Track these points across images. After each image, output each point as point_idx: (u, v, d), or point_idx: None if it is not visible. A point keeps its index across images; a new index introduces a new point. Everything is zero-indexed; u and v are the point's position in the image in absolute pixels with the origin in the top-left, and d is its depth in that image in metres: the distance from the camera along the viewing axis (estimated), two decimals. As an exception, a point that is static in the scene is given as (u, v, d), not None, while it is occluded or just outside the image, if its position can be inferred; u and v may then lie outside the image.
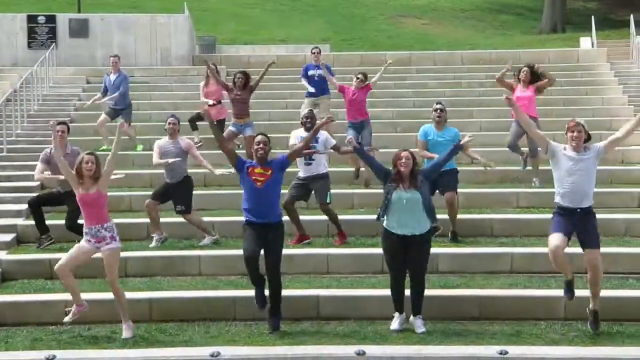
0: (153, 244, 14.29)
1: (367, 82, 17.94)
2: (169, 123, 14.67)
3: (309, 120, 14.35)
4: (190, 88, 25.81)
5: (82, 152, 14.55)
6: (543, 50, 31.63)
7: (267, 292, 11.21)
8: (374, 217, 14.98)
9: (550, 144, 10.80)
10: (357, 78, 17.73)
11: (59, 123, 14.74)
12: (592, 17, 36.70)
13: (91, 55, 28.86)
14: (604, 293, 10.98)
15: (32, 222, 14.92)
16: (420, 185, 11.11)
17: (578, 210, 10.72)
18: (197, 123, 20.35)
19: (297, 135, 14.44)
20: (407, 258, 11.04)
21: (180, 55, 29.27)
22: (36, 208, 14.53)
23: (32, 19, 29.17)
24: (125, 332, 10.96)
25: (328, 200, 14.26)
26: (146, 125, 22.40)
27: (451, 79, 26.86)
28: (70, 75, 27.36)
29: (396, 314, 11.20)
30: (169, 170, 14.45)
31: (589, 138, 10.85)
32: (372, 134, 17.97)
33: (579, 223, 10.74)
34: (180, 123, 15.06)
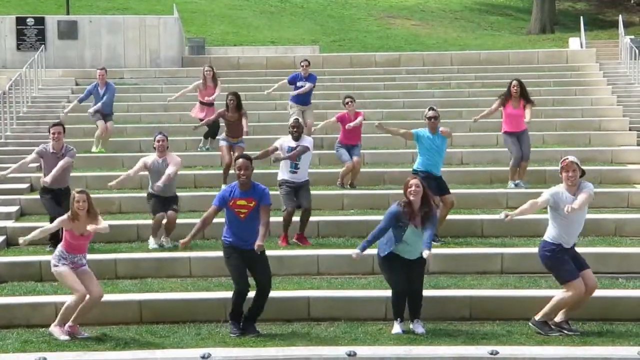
0: (155, 245, 14.34)
1: (359, 112, 17.83)
2: (158, 140, 14.60)
3: (295, 129, 14.54)
4: (180, 89, 25.74)
5: (74, 152, 14.70)
6: (532, 50, 31.72)
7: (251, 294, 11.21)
8: (364, 218, 15.11)
9: (554, 197, 10.76)
10: (346, 103, 17.66)
11: (55, 125, 14.77)
12: (581, 17, 36.80)
13: (80, 57, 28.82)
14: (594, 293, 11.00)
15: (22, 224, 14.93)
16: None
17: (571, 247, 10.90)
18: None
19: (283, 143, 14.55)
20: (407, 274, 11.04)
21: (170, 56, 29.24)
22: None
23: (21, 21, 29.12)
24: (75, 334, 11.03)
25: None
26: (136, 126, 22.41)
27: (440, 79, 26.90)
28: (59, 77, 27.32)
29: (397, 320, 11.16)
30: (163, 187, 14.38)
31: (583, 173, 10.89)
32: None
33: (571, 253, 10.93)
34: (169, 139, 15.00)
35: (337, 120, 17.65)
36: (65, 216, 11.18)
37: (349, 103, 17.61)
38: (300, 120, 15.27)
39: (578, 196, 10.66)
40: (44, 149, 14.63)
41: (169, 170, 14.38)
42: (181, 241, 11.19)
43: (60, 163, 14.40)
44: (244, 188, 11.12)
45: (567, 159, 10.87)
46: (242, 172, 11.10)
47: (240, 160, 11.23)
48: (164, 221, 14.31)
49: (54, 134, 14.54)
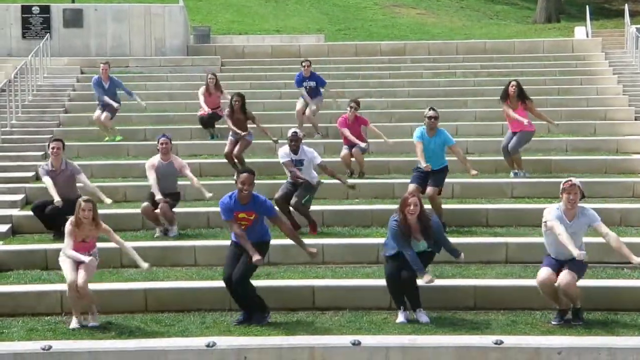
0: (157, 234, 14.39)
1: (364, 118, 17.81)
2: (161, 143, 14.52)
3: (293, 143, 14.44)
4: (185, 78, 25.82)
5: (78, 167, 14.64)
6: (538, 39, 31.62)
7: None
8: (369, 207, 15.14)
9: (550, 224, 10.69)
10: (350, 107, 17.54)
11: (55, 140, 14.67)
12: (587, 7, 36.71)
13: (85, 46, 28.78)
14: (598, 283, 11.03)
15: (27, 212, 14.95)
16: (433, 240, 11.06)
17: (569, 260, 10.79)
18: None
19: (285, 154, 14.51)
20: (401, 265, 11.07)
21: (175, 45, 29.19)
22: (40, 215, 14.36)
23: (26, 9, 29.07)
24: (90, 322, 11.11)
25: (303, 202, 14.28)
26: (141, 115, 22.40)
27: (446, 68, 26.84)
28: (64, 66, 27.32)
29: (400, 310, 11.18)
30: (162, 188, 14.33)
31: (583, 196, 10.83)
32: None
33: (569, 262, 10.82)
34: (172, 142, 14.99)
35: (340, 127, 17.58)
36: (69, 223, 11.23)
37: (352, 109, 17.47)
38: (299, 133, 15.02)
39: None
40: (44, 168, 14.46)
41: (189, 173, 14.53)
42: (254, 258, 10.89)
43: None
44: (244, 201, 11.06)
45: (570, 180, 10.73)
46: (245, 187, 10.98)
47: (245, 174, 11.07)
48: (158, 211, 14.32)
49: (53, 148, 14.38)
